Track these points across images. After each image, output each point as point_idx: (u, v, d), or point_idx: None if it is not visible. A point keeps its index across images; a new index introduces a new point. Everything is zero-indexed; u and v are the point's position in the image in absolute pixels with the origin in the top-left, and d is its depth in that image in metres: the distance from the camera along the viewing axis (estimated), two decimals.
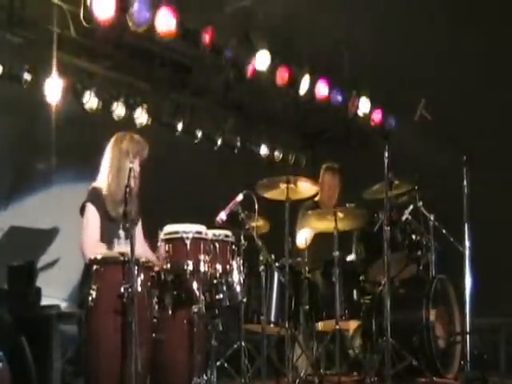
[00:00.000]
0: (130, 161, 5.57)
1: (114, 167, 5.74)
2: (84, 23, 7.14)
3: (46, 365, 4.96)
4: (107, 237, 5.66)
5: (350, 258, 7.45)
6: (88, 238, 5.62)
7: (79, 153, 7.81)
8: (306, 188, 7.34)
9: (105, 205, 5.70)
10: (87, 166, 7.57)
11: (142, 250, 5.78)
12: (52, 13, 7.14)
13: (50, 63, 7.26)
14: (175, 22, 7.44)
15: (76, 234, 5.78)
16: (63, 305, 5.49)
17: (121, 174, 5.65)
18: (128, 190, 5.37)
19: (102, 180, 5.79)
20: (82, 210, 5.72)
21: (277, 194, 7.21)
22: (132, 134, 5.87)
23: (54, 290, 5.34)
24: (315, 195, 7.87)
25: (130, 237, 5.31)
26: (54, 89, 7.46)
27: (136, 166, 5.68)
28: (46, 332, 4.96)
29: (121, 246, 5.61)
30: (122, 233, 5.65)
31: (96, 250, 5.50)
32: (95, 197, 5.71)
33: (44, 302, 5.21)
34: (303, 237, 7.53)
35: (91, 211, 5.68)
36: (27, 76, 7.49)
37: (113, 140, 5.85)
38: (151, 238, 6.00)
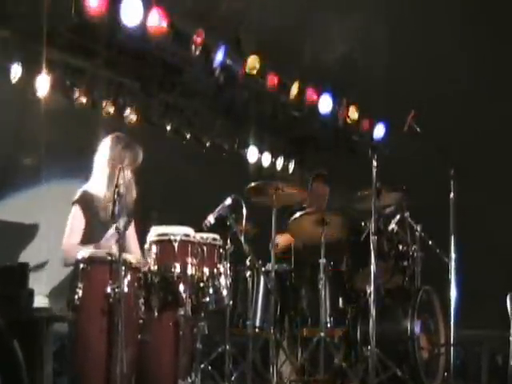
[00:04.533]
0: (121, 166, 5.55)
1: (106, 173, 5.75)
2: (75, 19, 7.13)
3: (38, 368, 4.92)
4: (97, 240, 5.63)
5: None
6: (68, 240, 5.65)
7: (68, 149, 7.78)
8: (293, 195, 7.32)
9: (95, 208, 5.71)
10: (75, 162, 7.59)
11: (137, 253, 5.82)
12: (43, 7, 7.09)
13: (40, 58, 7.21)
14: (166, 23, 7.45)
15: (63, 232, 5.77)
16: (46, 301, 5.46)
17: (111, 178, 5.63)
18: (117, 190, 5.35)
19: (94, 184, 5.80)
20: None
21: (265, 199, 7.19)
22: (128, 140, 5.86)
23: (41, 288, 5.31)
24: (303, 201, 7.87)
25: (118, 236, 5.30)
26: (43, 84, 7.42)
27: (127, 173, 5.63)
28: (38, 335, 4.93)
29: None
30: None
31: (73, 252, 5.47)
32: (85, 200, 5.73)
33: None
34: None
35: (76, 214, 5.70)
36: (16, 70, 7.45)
37: (107, 143, 5.83)
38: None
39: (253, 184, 7.18)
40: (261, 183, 7.18)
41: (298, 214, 7.39)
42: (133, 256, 5.62)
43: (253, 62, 8.55)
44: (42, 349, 4.93)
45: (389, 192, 7.31)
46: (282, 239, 7.63)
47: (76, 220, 5.68)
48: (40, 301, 5.17)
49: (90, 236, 5.69)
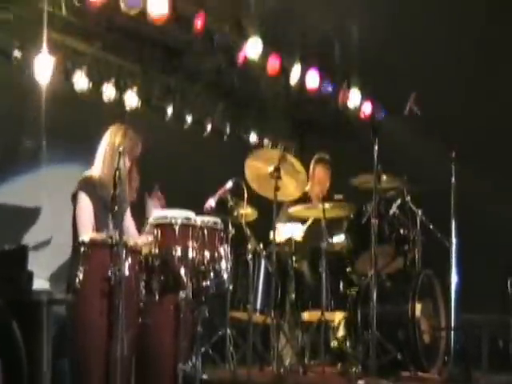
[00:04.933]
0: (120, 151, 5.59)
1: (106, 160, 5.81)
2: (76, 2, 7.11)
3: (37, 350, 4.94)
4: (100, 225, 5.67)
5: (337, 239, 7.46)
6: (84, 225, 5.66)
7: (68, 133, 7.77)
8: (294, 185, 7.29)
9: (97, 193, 5.74)
10: (76, 146, 7.58)
11: (136, 235, 5.87)
12: None
13: (40, 41, 7.18)
14: (168, 5, 7.41)
15: (64, 215, 5.78)
16: (47, 285, 5.46)
17: (112, 167, 5.65)
18: (118, 173, 5.38)
19: (96, 171, 5.84)
20: (74, 198, 5.75)
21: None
22: (127, 129, 5.91)
23: (40, 271, 5.32)
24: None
25: (117, 220, 5.32)
26: (43, 67, 7.40)
27: (126, 162, 5.70)
28: (37, 317, 4.94)
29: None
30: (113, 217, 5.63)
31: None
32: (88, 185, 5.75)
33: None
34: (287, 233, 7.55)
35: (84, 199, 5.71)
36: (17, 53, 7.45)
37: (107, 133, 5.92)
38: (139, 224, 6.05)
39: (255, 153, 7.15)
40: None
41: (299, 207, 7.42)
42: (132, 239, 5.65)
43: (254, 45, 8.51)
44: (42, 331, 4.94)
45: (389, 176, 7.30)
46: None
47: (85, 205, 5.70)
48: (40, 284, 5.17)
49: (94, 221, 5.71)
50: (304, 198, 7.80)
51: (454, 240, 7.29)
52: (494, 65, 9.15)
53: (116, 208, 5.30)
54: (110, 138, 5.87)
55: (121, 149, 5.56)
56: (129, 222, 6.04)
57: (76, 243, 5.57)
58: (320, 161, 8.16)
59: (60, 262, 7.00)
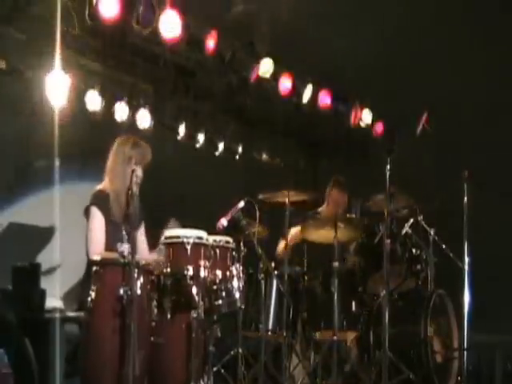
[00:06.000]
0: (131, 167, 5.65)
1: (117, 173, 5.83)
2: (89, 21, 7.17)
3: (49, 367, 4.96)
4: (110, 240, 5.70)
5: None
6: (94, 241, 5.68)
7: (81, 152, 7.82)
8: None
9: (109, 208, 5.75)
10: (88, 165, 7.63)
11: (145, 255, 5.87)
12: (56, 9, 7.12)
13: (53, 60, 7.24)
14: (180, 25, 7.46)
15: (77, 234, 5.81)
16: (61, 303, 5.50)
17: (123, 180, 5.71)
18: (130, 192, 5.43)
19: (107, 185, 5.86)
20: (87, 212, 5.76)
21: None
22: (135, 139, 5.96)
23: (54, 290, 5.34)
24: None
25: (130, 239, 5.35)
26: (57, 86, 7.45)
27: (139, 172, 5.77)
28: (49, 335, 4.97)
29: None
30: (125, 236, 5.66)
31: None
32: (99, 199, 5.77)
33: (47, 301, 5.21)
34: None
35: (96, 214, 5.73)
36: (30, 72, 7.50)
37: (115, 145, 5.94)
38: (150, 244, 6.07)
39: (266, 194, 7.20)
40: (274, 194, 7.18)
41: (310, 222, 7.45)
42: (141, 257, 5.68)
43: (266, 65, 8.55)
44: (54, 348, 4.96)
45: (402, 195, 7.30)
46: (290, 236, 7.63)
47: (98, 220, 5.71)
48: (53, 302, 5.20)
49: (105, 236, 5.72)
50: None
51: (466, 259, 7.27)
52: (508, 82, 9.14)
53: (129, 226, 5.32)
54: (119, 150, 5.88)
55: (133, 166, 5.60)
56: (141, 238, 6.05)
57: (88, 261, 5.59)
58: (337, 183, 8.19)
59: (74, 280, 7.02)
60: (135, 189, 5.71)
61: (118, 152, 5.88)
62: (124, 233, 5.64)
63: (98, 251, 5.60)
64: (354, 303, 7.29)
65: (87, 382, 5.39)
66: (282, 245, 7.53)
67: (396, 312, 6.93)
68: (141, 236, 6.06)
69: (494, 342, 7.86)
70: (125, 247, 5.46)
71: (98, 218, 5.71)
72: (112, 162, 5.88)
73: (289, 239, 7.31)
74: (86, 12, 7.05)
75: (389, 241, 6.77)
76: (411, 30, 8.70)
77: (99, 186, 5.87)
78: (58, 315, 4.99)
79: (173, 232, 5.83)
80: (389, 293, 6.74)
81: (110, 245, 5.68)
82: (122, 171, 5.75)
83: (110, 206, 5.76)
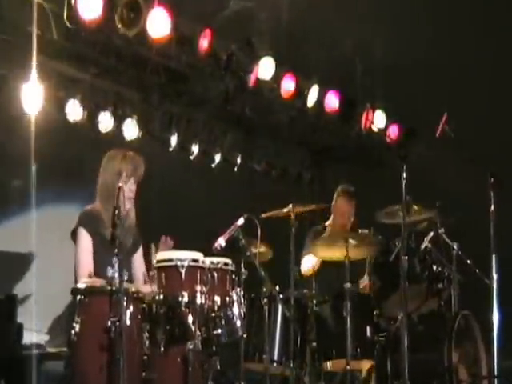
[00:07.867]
0: (122, 181, 5.68)
1: (107, 189, 5.86)
2: (68, 24, 7.21)
3: None
4: (100, 264, 5.73)
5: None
6: (81, 265, 5.73)
7: (61, 169, 7.84)
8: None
9: (98, 228, 5.80)
10: (69, 184, 7.64)
11: (139, 284, 5.89)
12: (32, 12, 7.17)
13: (30, 68, 7.29)
14: (170, 24, 7.50)
15: (58, 259, 5.83)
16: (42, 337, 5.51)
17: (114, 197, 5.71)
18: (117, 212, 5.44)
19: (98, 204, 5.92)
20: (74, 234, 5.80)
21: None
22: (125, 152, 6.02)
23: (33, 323, 5.35)
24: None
25: (118, 263, 5.37)
26: (33, 97, 7.49)
27: (131, 186, 5.82)
28: (28, 374, 4.97)
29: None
30: (115, 260, 5.68)
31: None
32: (88, 220, 5.83)
33: (24, 335, 5.22)
34: (310, 263, 7.62)
35: (83, 235, 5.79)
36: (3, 82, 7.55)
37: (105, 159, 6.00)
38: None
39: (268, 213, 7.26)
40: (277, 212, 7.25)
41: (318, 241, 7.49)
42: (134, 285, 5.69)
43: (266, 65, 8.60)
44: None
45: (420, 206, 7.32)
46: (315, 261, 7.69)
47: (85, 242, 5.76)
48: (31, 337, 5.22)
49: (94, 259, 5.77)
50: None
51: (494, 276, 7.26)
52: None
53: (116, 249, 5.35)
54: (108, 164, 5.94)
55: (123, 181, 5.64)
56: (137, 265, 6.08)
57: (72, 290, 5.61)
58: (343, 193, 8.22)
59: (55, 311, 7.05)
60: (128, 206, 5.76)
61: (107, 167, 5.94)
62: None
63: (85, 275, 5.62)
64: (368, 329, 7.30)
65: None
66: (307, 263, 7.59)
67: (416, 337, 6.92)
68: (136, 262, 6.09)
69: None
70: (115, 272, 5.49)
71: (85, 240, 5.76)
72: (101, 178, 5.94)
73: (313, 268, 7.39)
74: (65, 14, 7.10)
75: (406, 257, 6.78)
76: (428, 26, 8.75)
77: (89, 206, 5.92)
78: (36, 352, 5.00)
79: (165, 255, 5.85)
80: (407, 316, 6.73)
81: (100, 269, 5.70)
82: (113, 187, 5.75)
83: (99, 226, 5.80)
